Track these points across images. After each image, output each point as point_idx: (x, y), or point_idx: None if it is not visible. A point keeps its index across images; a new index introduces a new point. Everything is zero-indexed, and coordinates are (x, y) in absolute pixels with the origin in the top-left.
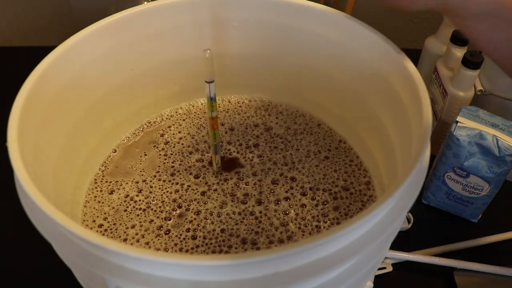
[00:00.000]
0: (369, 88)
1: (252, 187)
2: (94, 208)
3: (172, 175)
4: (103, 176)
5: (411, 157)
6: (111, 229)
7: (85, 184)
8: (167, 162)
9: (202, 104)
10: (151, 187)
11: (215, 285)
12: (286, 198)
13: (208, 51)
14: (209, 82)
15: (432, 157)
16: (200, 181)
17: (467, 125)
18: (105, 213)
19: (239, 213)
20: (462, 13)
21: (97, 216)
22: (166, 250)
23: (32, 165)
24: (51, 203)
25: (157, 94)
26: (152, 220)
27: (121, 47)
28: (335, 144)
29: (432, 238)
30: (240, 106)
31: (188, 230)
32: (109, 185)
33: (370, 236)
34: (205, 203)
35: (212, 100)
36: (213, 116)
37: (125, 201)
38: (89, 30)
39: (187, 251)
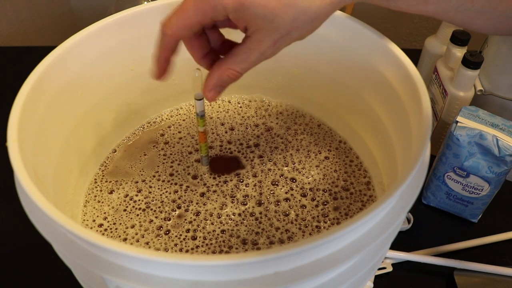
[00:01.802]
0: (369, 88)
1: (252, 189)
2: (94, 208)
3: (171, 175)
4: (103, 176)
5: (411, 157)
6: (111, 228)
7: (85, 184)
8: (166, 162)
9: None
10: (150, 187)
11: (215, 285)
12: (286, 199)
13: (198, 70)
14: (198, 100)
15: (432, 157)
16: (198, 182)
17: (467, 125)
18: (105, 213)
19: (239, 214)
20: None
21: (97, 216)
22: (166, 250)
23: (32, 165)
24: (51, 203)
25: (157, 94)
26: (151, 220)
27: (121, 47)
28: (335, 144)
29: (432, 238)
30: (240, 106)
31: (188, 230)
32: (109, 185)
33: (370, 236)
34: (204, 204)
35: (200, 115)
36: (201, 130)
37: (124, 200)
38: (89, 30)
39: (187, 251)
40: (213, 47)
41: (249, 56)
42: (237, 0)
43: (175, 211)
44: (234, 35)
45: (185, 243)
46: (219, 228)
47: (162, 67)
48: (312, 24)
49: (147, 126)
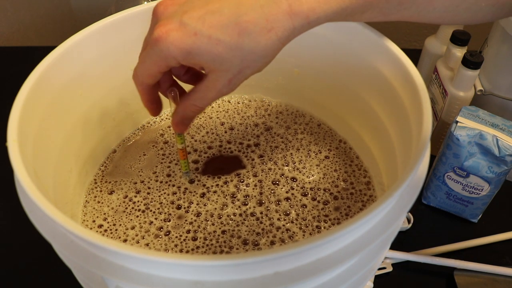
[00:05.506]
0: (369, 88)
1: (253, 188)
2: (94, 208)
3: (168, 175)
4: (103, 176)
5: (411, 157)
6: (111, 230)
7: (85, 184)
8: (164, 162)
9: None
10: (149, 188)
11: (215, 285)
12: (287, 199)
13: (174, 89)
14: None
15: (432, 157)
16: (197, 184)
17: (467, 125)
18: (104, 214)
19: (240, 214)
20: None
21: (97, 217)
22: (166, 251)
23: (32, 165)
24: (51, 203)
25: None
26: (151, 222)
27: (121, 47)
28: (335, 144)
29: (432, 238)
30: (240, 106)
31: (188, 231)
32: (108, 185)
33: (370, 236)
34: (205, 205)
35: (177, 133)
36: (180, 148)
37: (124, 201)
38: (89, 30)
39: (187, 252)
40: (178, 77)
41: (207, 94)
42: (184, 50)
43: (175, 211)
44: None
45: (186, 243)
46: (220, 228)
47: (150, 108)
48: (264, 60)
49: (147, 126)
